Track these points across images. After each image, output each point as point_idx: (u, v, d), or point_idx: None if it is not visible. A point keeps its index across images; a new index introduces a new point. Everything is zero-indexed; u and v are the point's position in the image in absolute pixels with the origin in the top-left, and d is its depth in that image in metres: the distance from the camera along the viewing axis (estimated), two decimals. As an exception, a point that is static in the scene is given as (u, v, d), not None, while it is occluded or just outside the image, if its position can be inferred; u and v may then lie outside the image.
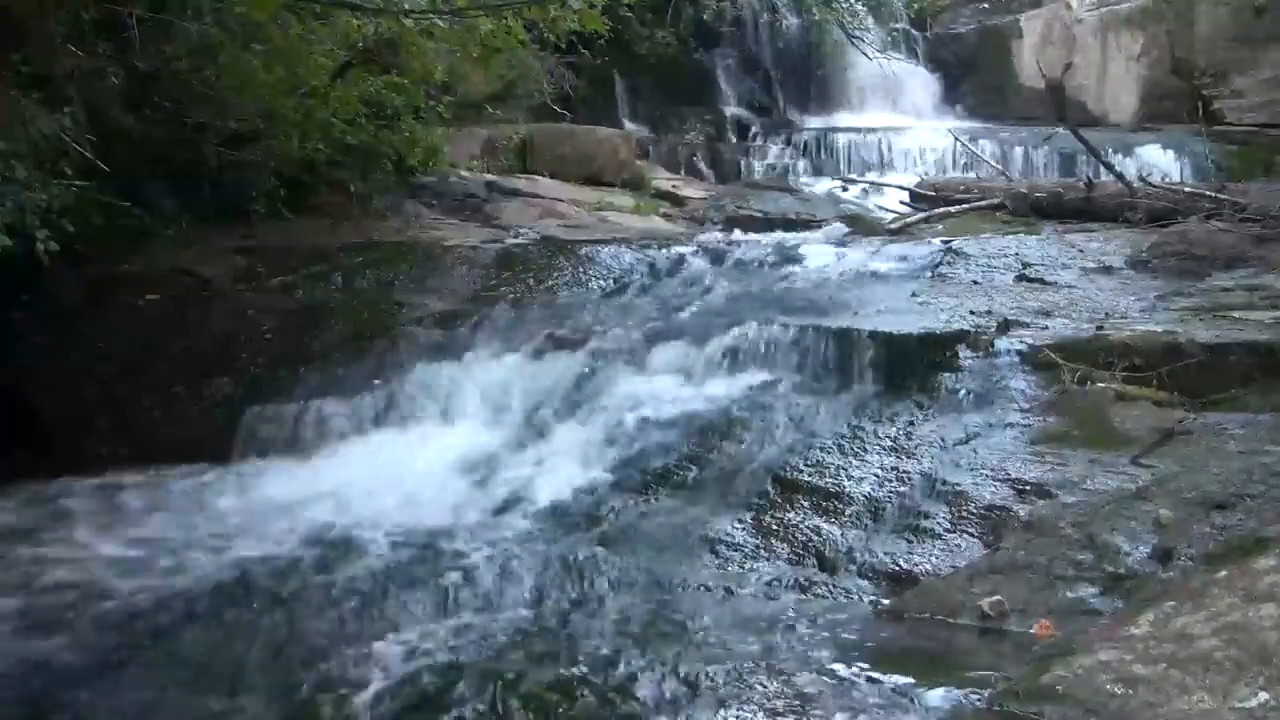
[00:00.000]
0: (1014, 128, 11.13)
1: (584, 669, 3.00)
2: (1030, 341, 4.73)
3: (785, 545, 3.82)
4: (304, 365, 5.53)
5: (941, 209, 8.40)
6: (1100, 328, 4.84)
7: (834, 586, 3.57)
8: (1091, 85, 11.74)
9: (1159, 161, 9.56)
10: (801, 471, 4.17)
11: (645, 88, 11.89)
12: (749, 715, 2.67)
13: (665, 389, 5.04)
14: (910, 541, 3.70)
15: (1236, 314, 4.97)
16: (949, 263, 6.25)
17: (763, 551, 3.80)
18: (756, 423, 4.61)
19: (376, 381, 5.35)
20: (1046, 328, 4.95)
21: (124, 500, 4.63)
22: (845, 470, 4.14)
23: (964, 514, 3.75)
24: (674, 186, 10.12)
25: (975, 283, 5.93)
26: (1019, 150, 10.34)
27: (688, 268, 6.57)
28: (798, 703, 2.69)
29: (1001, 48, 12.83)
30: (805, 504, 3.99)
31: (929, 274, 6.16)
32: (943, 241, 6.70)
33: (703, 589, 3.61)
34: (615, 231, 7.82)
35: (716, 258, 6.69)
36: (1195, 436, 3.97)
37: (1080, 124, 9.25)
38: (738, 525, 3.94)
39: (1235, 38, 10.97)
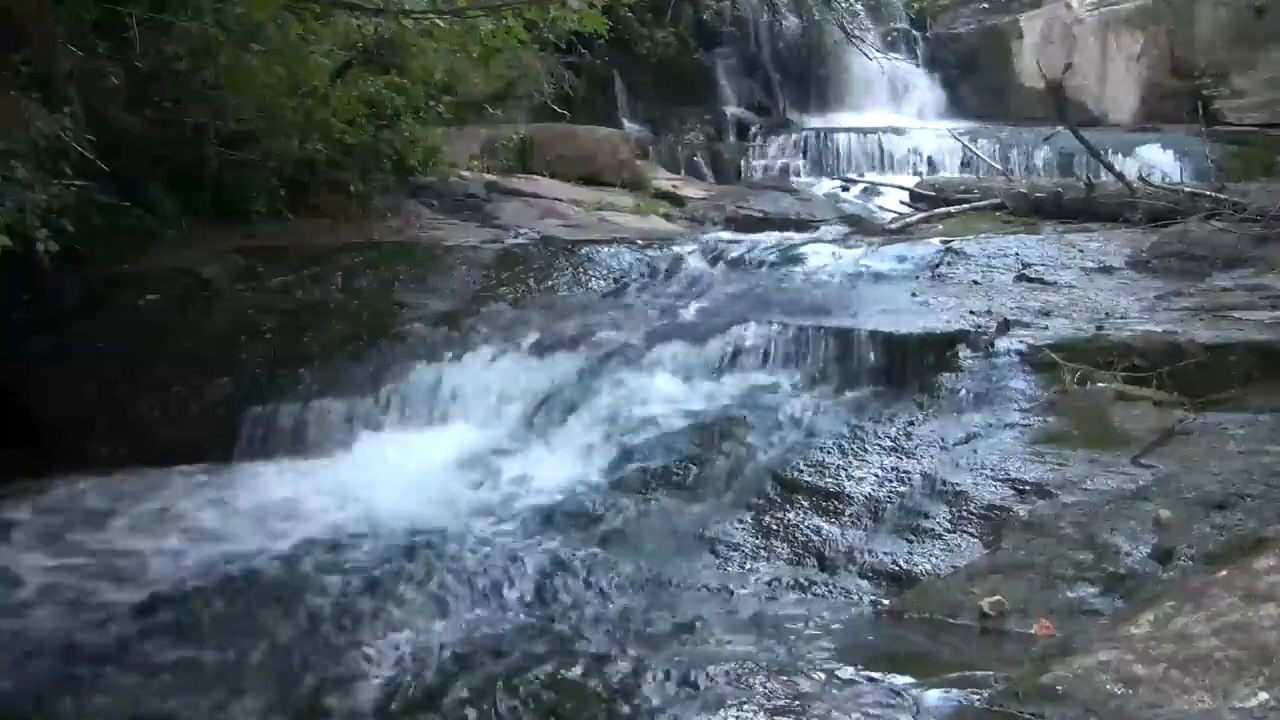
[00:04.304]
0: (1014, 128, 11.11)
1: (584, 669, 2.99)
2: (1030, 341, 4.73)
3: (785, 545, 3.82)
4: (304, 365, 5.52)
5: (941, 209, 8.39)
6: (1100, 328, 4.84)
7: (834, 586, 3.57)
8: (1091, 85, 11.73)
9: (1159, 161, 9.54)
10: (801, 471, 4.17)
11: (645, 88, 11.87)
12: (749, 715, 2.66)
13: (665, 389, 5.04)
14: (910, 541, 3.70)
15: (1236, 314, 4.98)
16: (949, 263, 6.25)
17: (763, 551, 3.80)
18: (756, 423, 4.61)
19: (376, 381, 5.35)
20: (1046, 328, 4.95)
21: (123, 501, 4.62)
22: (845, 470, 4.14)
23: (964, 514, 3.75)
24: (674, 186, 10.11)
25: (975, 283, 5.93)
26: (1019, 150, 10.33)
27: (688, 268, 6.56)
28: (798, 703, 2.69)
29: (1001, 48, 12.82)
30: (805, 504, 3.99)
31: (929, 274, 6.16)
32: (942, 241, 6.69)
33: (703, 589, 3.61)
34: (615, 231, 7.81)
35: (716, 258, 6.68)
36: (1195, 436, 3.97)
37: (1080, 124, 9.23)
38: (738, 525, 3.94)
39: (1235, 38, 10.96)
